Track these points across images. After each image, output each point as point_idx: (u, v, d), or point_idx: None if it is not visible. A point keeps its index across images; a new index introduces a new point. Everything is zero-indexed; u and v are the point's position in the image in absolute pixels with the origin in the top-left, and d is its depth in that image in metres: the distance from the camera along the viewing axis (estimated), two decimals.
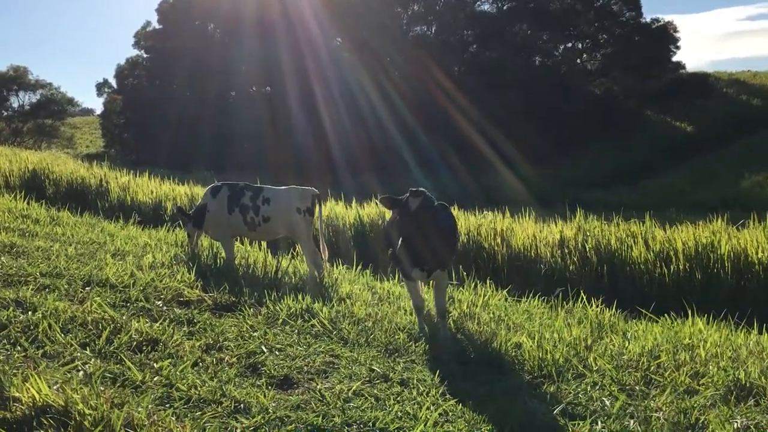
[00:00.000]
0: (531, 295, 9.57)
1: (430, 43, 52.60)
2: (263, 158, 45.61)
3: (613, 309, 8.83)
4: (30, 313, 6.24)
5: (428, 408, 4.77)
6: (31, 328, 5.88)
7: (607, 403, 4.99)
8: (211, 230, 10.31)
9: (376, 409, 4.72)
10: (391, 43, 51.84)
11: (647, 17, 54.39)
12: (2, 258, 8.77)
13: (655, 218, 14.23)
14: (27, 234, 10.91)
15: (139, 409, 4.22)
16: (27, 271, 8.12)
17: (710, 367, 6.09)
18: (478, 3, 55.25)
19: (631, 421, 4.61)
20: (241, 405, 4.64)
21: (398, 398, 4.96)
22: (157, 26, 63.06)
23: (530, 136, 45.44)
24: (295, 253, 12.03)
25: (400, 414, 4.65)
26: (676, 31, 53.89)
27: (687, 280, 11.36)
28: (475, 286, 9.69)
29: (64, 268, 8.45)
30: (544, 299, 9.50)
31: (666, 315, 9.04)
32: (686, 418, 4.69)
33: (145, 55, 65.58)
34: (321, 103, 49.26)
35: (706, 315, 8.88)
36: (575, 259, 12.35)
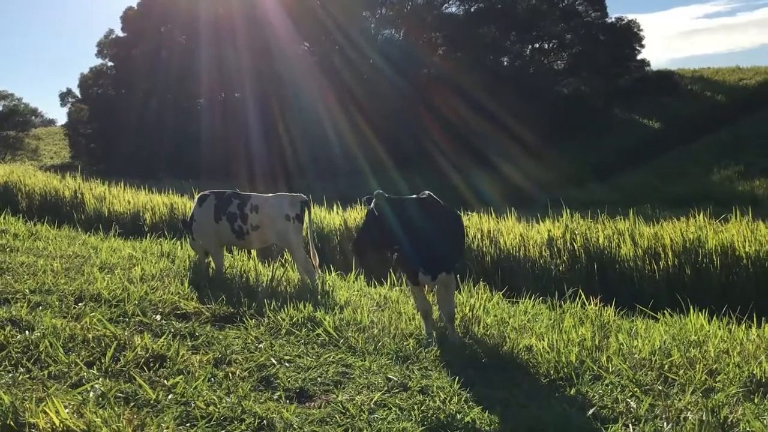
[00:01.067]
0: (527, 295, 9.51)
1: (399, 46, 52.61)
2: (231, 165, 45.21)
3: (612, 308, 8.80)
4: (27, 332, 6.00)
5: (455, 417, 4.67)
6: (31, 348, 5.65)
7: (632, 404, 4.94)
8: (200, 239, 10.10)
9: (402, 420, 4.61)
10: (360, 47, 51.72)
11: (612, 16, 55.13)
12: None
13: (635, 214, 14.35)
14: (7, 249, 10.58)
15: (166, 431, 4.04)
16: (14, 288, 7.87)
17: (722, 363, 6.07)
18: (446, 5, 55.47)
19: (664, 423, 4.55)
20: (264, 422, 4.49)
21: (422, 407, 4.84)
22: (121, 34, 62.15)
23: (500, 137, 45.76)
24: (284, 260, 11.87)
25: (427, 424, 4.54)
26: (639, 29, 54.73)
27: (676, 275, 11.42)
28: (470, 288, 9.62)
29: (53, 284, 8.19)
30: (540, 300, 9.45)
31: (661, 312, 9.05)
32: (715, 417, 4.65)
33: (109, 64, 64.56)
34: (282, 110, 49.03)
35: (702, 310, 8.89)
36: (564, 258, 12.34)
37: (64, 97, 70.10)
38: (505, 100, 47.91)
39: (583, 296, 8.80)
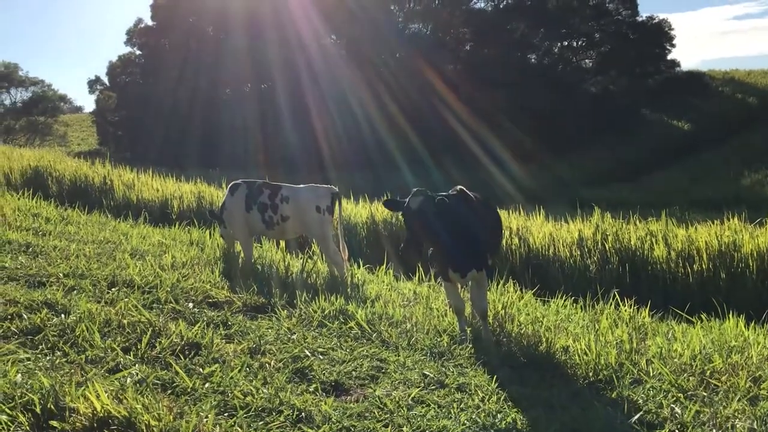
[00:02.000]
0: (560, 295, 9.38)
1: (426, 42, 52.37)
2: (256, 155, 45.28)
3: (646, 310, 8.64)
4: (63, 315, 6.01)
5: (495, 416, 4.58)
6: (68, 331, 5.66)
7: (677, 410, 4.81)
8: (230, 228, 10.09)
9: (442, 418, 4.53)
10: (386, 41, 51.53)
11: (642, 15, 54.43)
12: (20, 258, 8.53)
13: (663, 216, 14.15)
14: (40, 233, 10.65)
15: (205, 420, 4.00)
16: (48, 271, 7.90)
17: (766, 370, 5.92)
18: (474, 1, 55.11)
19: (712, 431, 4.42)
20: (303, 414, 4.44)
21: (461, 406, 4.76)
22: (150, 23, 62.44)
23: (526, 135, 45.33)
24: (311, 252, 11.83)
25: (468, 423, 4.46)
26: (671, 29, 53.92)
27: (711, 279, 11.23)
28: (500, 286, 9.50)
29: (86, 268, 8.22)
30: (572, 300, 9.31)
31: (697, 316, 8.86)
32: (764, 426, 4.52)
33: (137, 53, 64.94)
34: (313, 101, 48.97)
35: (738, 316, 8.70)
36: (595, 259, 12.18)
37: (93, 84, 70.69)
38: (532, 97, 47.52)
39: (617, 297, 8.65)
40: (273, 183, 9.95)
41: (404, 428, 4.32)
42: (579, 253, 12.39)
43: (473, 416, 4.56)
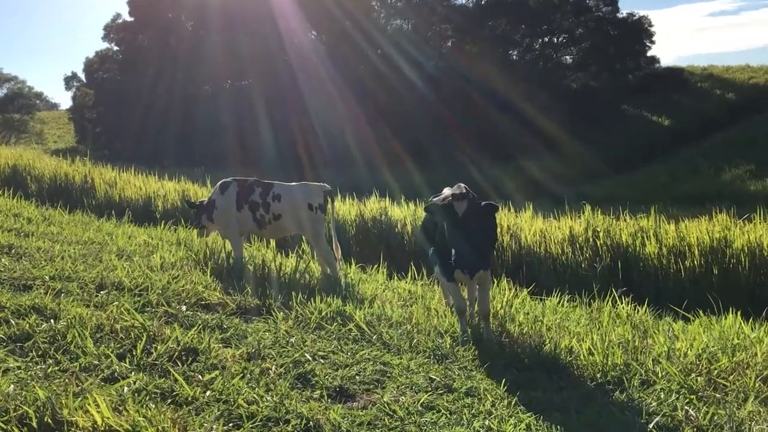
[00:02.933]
0: (556, 293, 9.28)
1: (408, 38, 52.22)
2: (235, 153, 44.86)
3: (644, 308, 8.57)
4: (53, 321, 5.77)
5: (508, 422, 4.44)
6: (58, 338, 5.43)
7: (691, 412, 4.70)
8: (220, 228, 9.87)
9: (454, 425, 4.38)
10: (368, 38, 51.32)
11: (623, 12, 54.66)
12: (3, 260, 8.24)
13: (646, 212, 14.15)
14: (22, 234, 10.35)
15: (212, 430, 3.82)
16: (33, 274, 7.63)
17: None
18: None
19: None
20: (311, 423, 4.26)
21: (472, 411, 4.62)
22: (128, 18, 61.72)
23: (508, 131, 45.43)
24: (301, 251, 11.65)
25: (482, 430, 4.31)
26: (650, 25, 54.24)
27: (703, 275, 11.20)
28: (495, 285, 9.38)
29: (72, 270, 7.97)
30: (568, 297, 9.22)
31: (693, 312, 8.80)
32: None
33: (115, 48, 64.22)
34: (293, 98, 48.66)
35: (734, 312, 8.65)
36: (587, 255, 12.11)
37: (69, 80, 69.85)
38: (513, 94, 47.61)
39: (615, 295, 8.57)
40: (264, 181, 9.73)
41: None
42: (570, 249, 12.32)
43: (486, 422, 4.41)
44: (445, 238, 6.25)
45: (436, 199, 7.72)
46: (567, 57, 55.87)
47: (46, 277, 7.50)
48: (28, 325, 5.58)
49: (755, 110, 45.52)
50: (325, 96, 47.27)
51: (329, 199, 9.64)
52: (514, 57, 53.97)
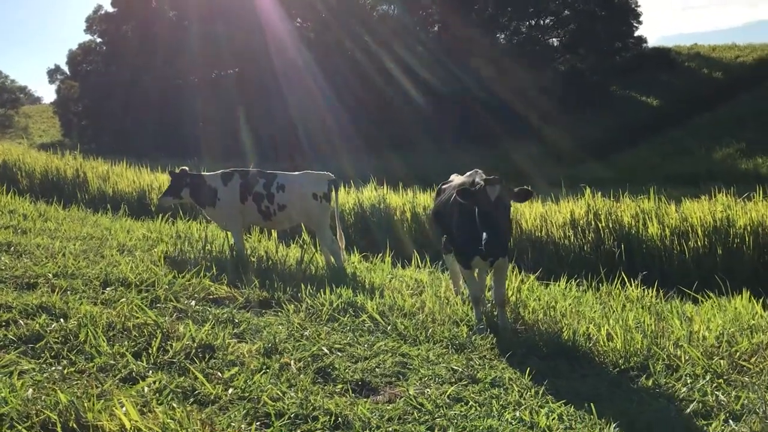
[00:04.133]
0: (563, 277, 9.20)
1: (395, 22, 51.87)
2: (226, 143, 44.51)
3: (653, 291, 8.51)
4: (62, 320, 5.64)
5: (538, 412, 4.36)
6: (71, 337, 5.30)
7: (722, 397, 4.64)
8: (221, 218, 9.69)
9: (485, 417, 4.29)
10: (355, 22, 50.92)
11: None
12: (3, 258, 8.08)
13: (640, 193, 14.12)
14: (20, 231, 10.17)
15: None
16: (36, 272, 7.48)
17: None
18: None
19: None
20: (340, 419, 4.16)
21: (501, 402, 4.53)
22: (110, 9, 60.95)
23: (496, 114, 45.30)
24: (301, 241, 11.53)
25: (514, 422, 4.22)
26: (637, 5, 54.06)
27: (707, 256, 11.16)
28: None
29: (75, 267, 7.83)
30: (576, 281, 9.14)
31: (703, 294, 8.75)
32: None
33: (98, 40, 63.48)
34: (281, 86, 48.28)
35: (741, 292, 8.61)
36: (589, 239, 12.05)
37: (53, 74, 69.09)
38: (501, 77, 47.46)
39: (625, 278, 8.51)
40: (267, 171, 9.58)
41: (449, 430, 4.07)
42: (572, 233, 12.25)
43: (517, 413, 4.33)
44: (467, 224, 6.13)
45: (445, 185, 7.62)
46: (554, 39, 55.67)
47: (50, 275, 7.35)
48: (38, 325, 5.45)
49: (743, 89, 45.51)
50: (313, 84, 46.93)
51: (333, 188, 9.52)
52: (502, 40, 53.74)
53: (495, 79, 47.14)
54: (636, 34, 54.85)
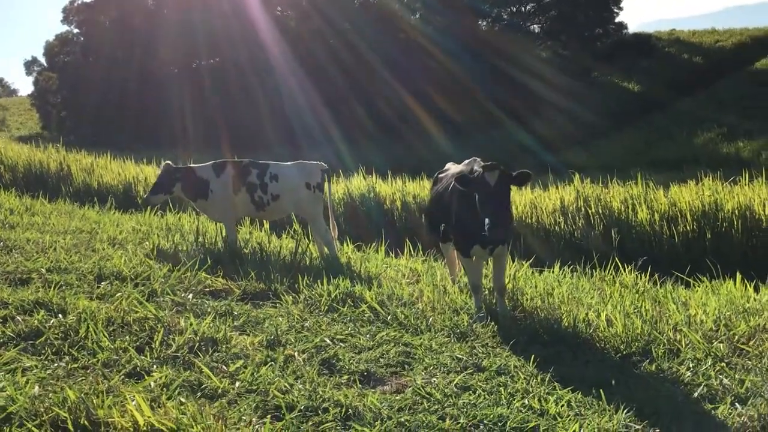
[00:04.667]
0: (557, 264, 9.23)
1: (377, 10, 51.65)
2: (209, 134, 44.20)
3: (646, 275, 8.56)
4: (61, 316, 5.57)
5: (547, 400, 4.37)
6: (71, 333, 5.24)
7: (726, 381, 4.68)
8: (213, 210, 9.59)
9: (494, 405, 4.30)
10: (335, 11, 50.65)
11: None
12: None
13: (626, 178, 14.24)
14: (7, 225, 10.03)
15: (259, 428, 3.69)
16: (28, 267, 7.38)
17: None
18: None
19: None
20: (350, 411, 4.15)
21: (509, 390, 4.54)
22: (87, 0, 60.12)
23: (479, 102, 45.36)
24: (292, 231, 11.49)
25: (523, 410, 4.24)
26: None
27: (696, 239, 11.26)
28: None
29: (68, 261, 7.73)
30: (569, 267, 9.17)
31: (694, 278, 8.81)
32: None
33: (75, 31, 62.65)
34: (262, 75, 47.99)
35: (732, 276, 8.69)
36: (580, 224, 12.12)
37: (30, 65, 68.25)
38: (484, 64, 47.48)
39: (619, 263, 8.56)
40: (260, 162, 9.51)
41: (460, 419, 4.08)
42: (563, 219, 12.31)
43: (526, 401, 4.34)
44: (467, 212, 6.13)
45: (442, 174, 7.61)
46: (535, 26, 55.75)
47: (42, 270, 7.26)
48: (36, 321, 5.38)
49: (723, 73, 45.92)
50: (295, 73, 46.67)
51: (326, 178, 9.49)
52: (483, 27, 53.71)
53: (476, 66, 47.12)
54: (617, 20, 55.10)
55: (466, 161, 6.73)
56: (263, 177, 9.18)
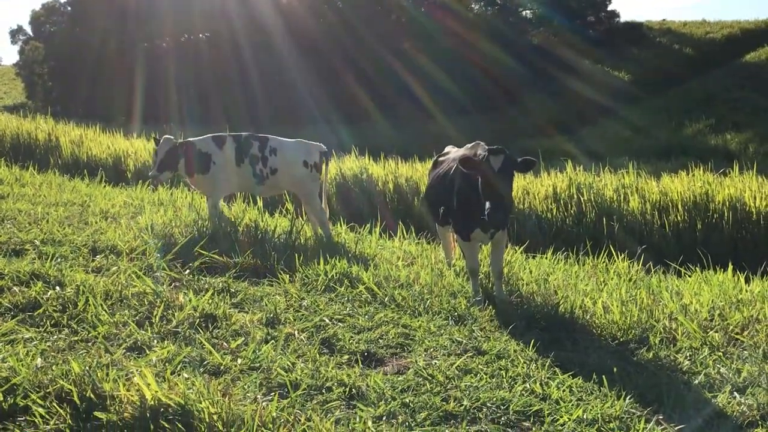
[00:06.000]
0: (550, 250, 9.28)
1: None
2: (195, 109, 43.81)
3: (639, 263, 8.61)
4: (58, 288, 5.53)
5: (549, 384, 4.41)
6: (69, 306, 5.21)
7: (723, 370, 4.74)
8: (210, 184, 9.18)
9: (496, 389, 4.33)
10: None
11: None
12: None
13: (615, 166, 14.32)
14: None
15: (266, 405, 3.69)
16: (21, 238, 7.35)
17: None
18: None
19: None
20: (354, 391, 4.17)
21: (510, 374, 4.57)
22: None
23: (470, 86, 45.27)
24: (284, 211, 11.45)
25: (525, 393, 4.26)
26: None
27: (687, 230, 11.35)
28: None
29: (61, 234, 7.70)
30: (562, 254, 9.22)
31: (685, 267, 8.88)
32: None
33: (63, 0, 61.72)
34: (257, 51, 47.55)
35: (721, 266, 8.76)
36: (572, 212, 12.16)
37: (15, 34, 67.04)
38: (475, 48, 47.34)
39: (613, 251, 8.61)
40: (260, 135, 9.37)
41: (464, 401, 4.10)
42: (555, 206, 12.35)
43: (527, 385, 4.37)
44: (469, 195, 6.13)
45: (442, 158, 7.60)
46: (528, 12, 55.56)
47: (36, 242, 7.21)
48: (34, 293, 5.34)
49: (713, 65, 46.05)
50: (287, 50, 46.31)
51: (324, 160, 9.45)
52: (475, 10, 53.47)
53: (468, 50, 47.00)
54: (609, 8, 55.07)
55: (469, 145, 6.72)
56: (264, 150, 9.06)
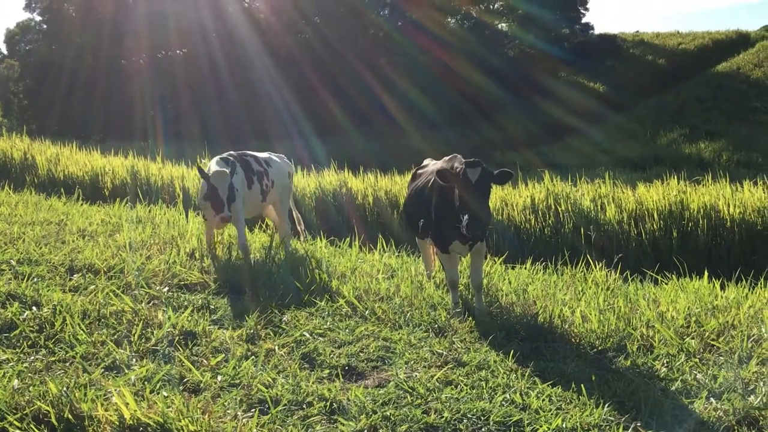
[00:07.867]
0: (529, 261, 9.35)
1: (345, 5, 51.46)
2: (177, 125, 43.66)
3: (617, 272, 8.70)
4: (35, 308, 5.48)
5: (529, 394, 4.43)
6: (46, 326, 5.17)
7: (699, 376, 4.79)
8: (236, 213, 8.14)
9: (476, 399, 4.35)
10: (304, 5, 50.37)
11: None
12: None
13: (591, 176, 14.48)
14: None
15: (246, 421, 3.67)
16: None
17: (755, 330, 5.99)
18: None
19: (750, 396, 4.40)
20: (335, 405, 4.17)
21: (490, 385, 4.59)
22: None
23: (447, 99, 45.58)
24: (264, 226, 11.44)
25: (505, 404, 4.29)
26: None
27: (663, 238, 11.47)
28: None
29: (38, 253, 7.63)
30: (541, 264, 9.29)
31: (662, 274, 9.00)
32: None
33: (38, 18, 61.28)
34: (234, 66, 47.56)
35: (697, 274, 8.88)
36: (550, 222, 12.25)
37: None
38: (451, 61, 47.66)
39: (591, 262, 8.69)
40: (248, 152, 9.22)
41: (444, 413, 4.11)
42: (533, 217, 12.43)
43: (507, 395, 4.39)
44: (447, 208, 6.17)
45: (420, 170, 7.64)
46: (503, 25, 56.07)
47: (12, 262, 7.15)
48: (10, 313, 5.29)
49: (685, 76, 46.74)
50: (265, 66, 46.33)
51: (289, 173, 9.58)
52: (452, 25, 53.86)
53: (444, 63, 47.31)
54: (583, 20, 55.77)
55: (447, 157, 6.76)
56: (261, 164, 8.94)
